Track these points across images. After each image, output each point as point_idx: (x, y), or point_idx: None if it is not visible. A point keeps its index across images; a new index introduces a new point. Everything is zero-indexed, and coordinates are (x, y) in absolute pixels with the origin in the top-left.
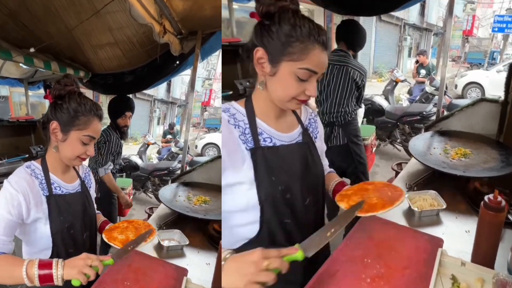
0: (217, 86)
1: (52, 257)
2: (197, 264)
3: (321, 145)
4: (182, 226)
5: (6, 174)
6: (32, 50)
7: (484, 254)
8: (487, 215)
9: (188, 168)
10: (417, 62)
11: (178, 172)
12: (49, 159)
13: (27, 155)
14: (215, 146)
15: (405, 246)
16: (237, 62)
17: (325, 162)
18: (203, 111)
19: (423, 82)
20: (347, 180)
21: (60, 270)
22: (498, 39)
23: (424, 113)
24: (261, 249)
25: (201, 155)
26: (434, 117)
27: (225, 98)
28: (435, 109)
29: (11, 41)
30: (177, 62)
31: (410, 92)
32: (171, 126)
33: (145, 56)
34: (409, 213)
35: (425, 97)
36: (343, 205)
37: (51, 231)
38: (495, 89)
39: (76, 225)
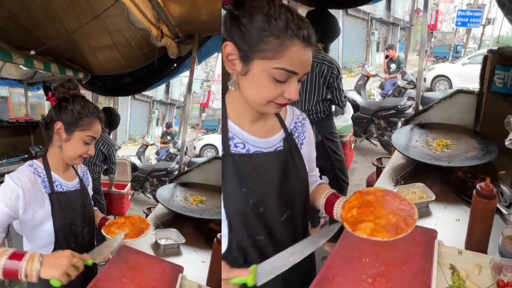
0: (216, 87)
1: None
2: (193, 262)
3: (309, 152)
4: (179, 225)
5: (6, 175)
6: (32, 52)
7: (477, 241)
8: (480, 203)
9: (186, 168)
10: (387, 57)
11: (176, 172)
12: (50, 158)
13: (26, 156)
14: (213, 147)
15: (401, 241)
16: None
17: (315, 172)
18: (201, 113)
19: (394, 77)
20: (326, 179)
21: (36, 264)
22: (460, 33)
23: (399, 107)
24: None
25: (199, 156)
26: (409, 111)
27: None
28: (409, 103)
29: (11, 42)
30: (175, 65)
31: (381, 87)
32: (168, 125)
33: (143, 58)
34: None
35: (398, 91)
36: (360, 233)
37: (54, 227)
38: (462, 81)
39: (77, 221)
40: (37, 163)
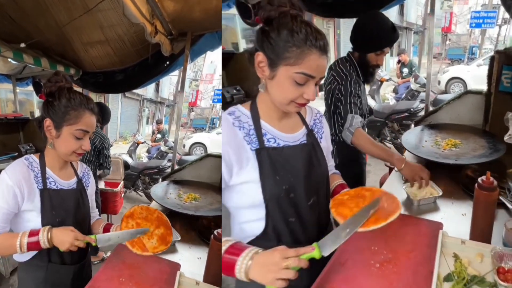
0: (204, 87)
1: (42, 250)
2: (189, 259)
3: (326, 145)
4: (174, 223)
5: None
6: (22, 45)
7: (481, 231)
8: (481, 195)
9: (177, 166)
10: (399, 61)
11: (168, 170)
12: (47, 155)
13: (16, 154)
14: (202, 145)
15: (408, 232)
16: (222, 69)
17: (331, 162)
18: (190, 111)
19: (407, 81)
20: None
21: (45, 233)
22: (475, 34)
23: (412, 109)
24: (281, 249)
25: (188, 154)
26: (421, 113)
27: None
28: (422, 105)
29: None
30: (167, 63)
31: (395, 91)
32: (159, 121)
33: (135, 55)
34: (408, 203)
35: (411, 94)
36: (333, 212)
37: (42, 224)
38: (477, 82)
39: (67, 221)
40: (34, 158)
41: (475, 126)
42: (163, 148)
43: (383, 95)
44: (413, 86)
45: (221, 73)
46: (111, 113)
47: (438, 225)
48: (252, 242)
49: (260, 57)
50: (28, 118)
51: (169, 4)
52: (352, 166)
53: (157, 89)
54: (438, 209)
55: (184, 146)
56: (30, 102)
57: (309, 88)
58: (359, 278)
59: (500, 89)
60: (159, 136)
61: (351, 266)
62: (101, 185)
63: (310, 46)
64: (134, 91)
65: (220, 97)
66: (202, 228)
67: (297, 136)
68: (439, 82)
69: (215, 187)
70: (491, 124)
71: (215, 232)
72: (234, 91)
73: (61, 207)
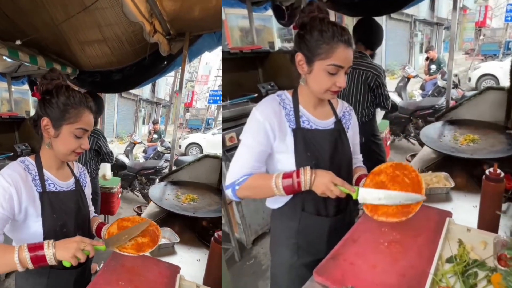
0: (199, 88)
1: None
2: (188, 261)
3: (353, 135)
4: (172, 224)
5: None
6: (18, 42)
7: (488, 221)
8: (489, 186)
9: (174, 167)
10: (427, 58)
11: (165, 171)
12: (43, 156)
13: (11, 154)
14: (198, 146)
15: (417, 218)
16: (258, 67)
17: (358, 156)
18: (185, 112)
19: (435, 78)
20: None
21: (51, 250)
22: None
23: (436, 106)
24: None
25: (184, 154)
26: None
27: (252, 100)
28: None
29: None
30: (165, 63)
31: (422, 88)
32: (155, 121)
33: (133, 55)
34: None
35: (437, 91)
36: (379, 218)
37: (43, 228)
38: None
39: (69, 224)
40: (29, 160)
41: (497, 123)
42: (159, 149)
43: (410, 92)
44: (440, 82)
45: (220, 75)
46: (103, 102)
47: (447, 214)
48: (283, 208)
49: (299, 57)
50: (24, 118)
51: (168, 3)
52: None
53: (153, 90)
54: (451, 199)
55: (180, 146)
56: (26, 101)
57: (340, 77)
58: (368, 253)
59: None
60: (155, 136)
61: (362, 243)
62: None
63: (337, 41)
64: (131, 91)
65: (216, 98)
66: (201, 230)
67: (328, 123)
68: (469, 79)
69: (213, 188)
70: None
71: (215, 234)
72: (269, 86)
73: (62, 209)
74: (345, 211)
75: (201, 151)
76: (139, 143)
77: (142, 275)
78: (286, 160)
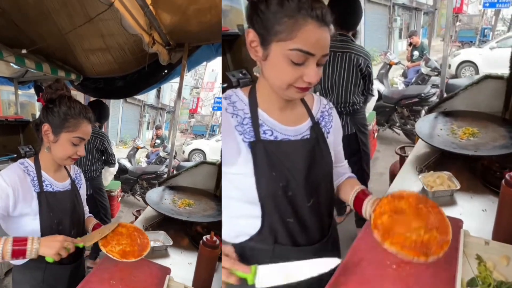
0: (204, 94)
1: None
2: (180, 264)
3: (334, 141)
4: (167, 228)
5: None
6: (24, 51)
7: (505, 231)
8: (509, 193)
9: (175, 172)
10: (410, 44)
11: (166, 176)
12: (42, 158)
13: (15, 155)
14: (201, 152)
15: None
16: (226, 53)
17: (344, 163)
18: (190, 118)
19: (418, 65)
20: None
21: (36, 245)
22: (488, 15)
23: (423, 95)
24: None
25: (188, 160)
26: (432, 99)
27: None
28: (433, 90)
29: (2, 40)
30: (165, 71)
31: (404, 75)
32: (158, 126)
33: (135, 63)
34: (423, 194)
35: (421, 79)
36: (390, 247)
37: (40, 226)
38: (489, 66)
39: (64, 222)
40: (29, 162)
41: (494, 114)
42: (162, 154)
43: (392, 79)
44: (424, 70)
45: (221, 80)
46: (109, 110)
47: (458, 223)
48: (246, 242)
49: (250, 35)
50: (29, 121)
51: (166, 17)
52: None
53: (158, 95)
54: (456, 203)
55: (183, 152)
56: (32, 105)
57: (309, 68)
58: (375, 280)
59: None
60: (158, 141)
61: (366, 267)
62: None
63: (305, 16)
64: (136, 96)
65: (221, 105)
66: (195, 234)
67: (300, 130)
68: (449, 66)
69: (210, 194)
70: (511, 111)
71: (204, 238)
72: (240, 75)
73: (58, 208)
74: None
75: (205, 157)
76: (142, 147)
77: (133, 275)
78: (244, 183)
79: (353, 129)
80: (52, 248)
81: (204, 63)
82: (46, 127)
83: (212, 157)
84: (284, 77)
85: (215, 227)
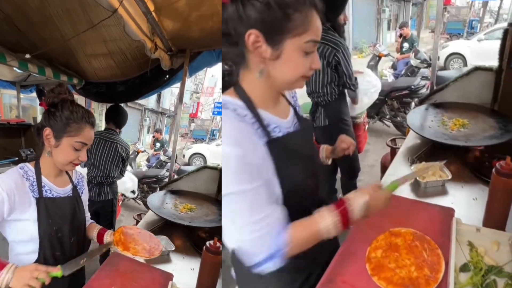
0: (204, 99)
1: (38, 259)
2: (183, 269)
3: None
4: (169, 232)
5: None
6: (27, 56)
7: (496, 219)
8: (499, 181)
9: (175, 176)
10: (400, 35)
11: (166, 180)
12: (42, 163)
13: (16, 158)
14: (202, 156)
15: (419, 220)
16: None
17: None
18: (190, 122)
19: (407, 57)
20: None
21: (9, 275)
22: (476, 7)
23: (412, 87)
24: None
25: (188, 164)
26: (422, 91)
27: None
28: (423, 82)
29: (5, 44)
30: (167, 76)
31: (394, 67)
32: (157, 130)
33: (137, 68)
34: (414, 185)
35: (411, 71)
36: (375, 279)
37: (39, 233)
38: (477, 58)
39: (64, 229)
40: (29, 166)
41: (483, 105)
42: (162, 158)
43: (381, 71)
44: (413, 62)
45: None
46: (127, 115)
47: (450, 211)
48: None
49: (252, 37)
50: (30, 124)
51: (169, 23)
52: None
53: (158, 100)
54: (447, 192)
55: (184, 156)
56: (34, 108)
57: (314, 55)
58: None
59: None
60: (158, 145)
61: (361, 256)
62: None
63: (310, 7)
64: (136, 101)
65: (221, 110)
66: (197, 239)
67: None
68: (438, 58)
69: (211, 199)
70: (500, 103)
71: (207, 243)
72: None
73: (57, 215)
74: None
75: (205, 162)
76: (142, 151)
77: (135, 280)
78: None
79: (326, 121)
80: (22, 279)
81: (205, 68)
82: (47, 131)
83: (212, 161)
84: (299, 69)
85: (217, 232)
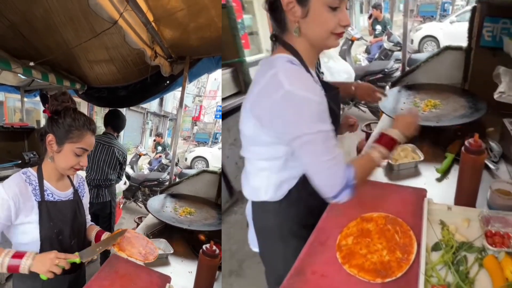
0: (207, 103)
1: None
2: (181, 272)
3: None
4: (168, 236)
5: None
6: (31, 64)
7: (466, 196)
8: (469, 159)
9: (177, 179)
10: (370, 16)
11: (168, 183)
12: (44, 168)
13: (19, 161)
14: (204, 159)
15: (391, 203)
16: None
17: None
18: (193, 126)
19: (381, 40)
20: None
21: (28, 261)
22: None
23: (386, 70)
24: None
25: (190, 167)
26: (396, 74)
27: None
28: (396, 65)
29: (10, 51)
30: (168, 82)
31: (367, 51)
32: (158, 134)
33: (138, 74)
34: (387, 168)
35: (384, 54)
36: (346, 268)
37: (40, 235)
38: (450, 41)
39: (65, 232)
40: (31, 171)
41: (454, 85)
42: (164, 161)
43: (354, 56)
44: (386, 45)
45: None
46: (126, 120)
47: (422, 192)
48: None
49: (50, 137)
50: (34, 128)
51: (168, 32)
52: None
53: (161, 103)
54: (420, 173)
55: (186, 159)
56: (37, 111)
57: (342, 12)
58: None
59: (482, 44)
60: (159, 148)
61: (331, 246)
62: None
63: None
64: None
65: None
66: (196, 243)
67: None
68: (412, 41)
69: (211, 202)
70: (470, 82)
71: (204, 247)
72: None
73: (59, 218)
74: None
75: (207, 165)
76: (144, 154)
77: (133, 282)
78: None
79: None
80: (44, 265)
81: (199, 77)
82: (50, 137)
83: (214, 164)
84: (327, 25)
85: (217, 235)
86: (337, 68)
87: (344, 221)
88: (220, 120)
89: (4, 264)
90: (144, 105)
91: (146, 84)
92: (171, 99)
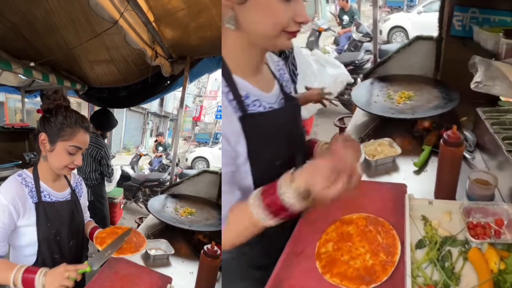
0: (208, 103)
1: (37, 262)
2: (181, 273)
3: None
4: (169, 236)
5: None
6: (32, 64)
7: (446, 188)
8: (447, 151)
9: (178, 180)
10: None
11: (168, 183)
12: (40, 168)
13: (20, 162)
14: (204, 159)
15: (371, 202)
16: None
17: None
18: (194, 126)
19: (349, 31)
20: None
21: (42, 278)
22: None
23: (356, 62)
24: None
25: (191, 167)
26: (367, 65)
27: None
28: (367, 57)
29: (11, 51)
30: (168, 82)
31: (336, 42)
32: (159, 134)
33: (138, 74)
34: (365, 164)
35: (354, 45)
36: (327, 277)
37: (37, 237)
38: (418, 31)
39: (62, 232)
40: (27, 173)
41: (427, 76)
42: (164, 161)
43: (323, 47)
44: (355, 35)
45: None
46: (115, 120)
47: (402, 188)
48: None
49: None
50: (34, 128)
51: (169, 32)
52: None
53: (161, 104)
54: (398, 168)
55: (186, 159)
56: None
57: (299, 4)
58: (317, 269)
59: (452, 34)
60: (160, 148)
61: (309, 255)
62: None
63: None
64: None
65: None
66: (197, 243)
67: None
68: (380, 32)
69: (212, 203)
70: (442, 72)
71: (205, 247)
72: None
73: (56, 219)
74: None
75: (208, 165)
76: (145, 155)
77: (134, 283)
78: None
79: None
80: (55, 280)
81: (200, 77)
82: (42, 136)
83: (215, 164)
84: (277, 17)
85: (217, 236)
86: (335, 73)
87: (322, 226)
88: (221, 120)
89: (18, 280)
90: (145, 106)
91: (147, 84)
92: (172, 99)
